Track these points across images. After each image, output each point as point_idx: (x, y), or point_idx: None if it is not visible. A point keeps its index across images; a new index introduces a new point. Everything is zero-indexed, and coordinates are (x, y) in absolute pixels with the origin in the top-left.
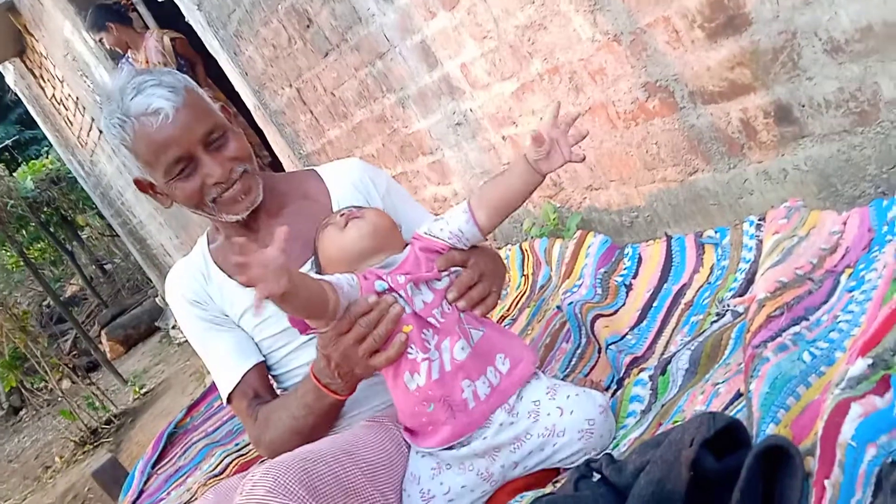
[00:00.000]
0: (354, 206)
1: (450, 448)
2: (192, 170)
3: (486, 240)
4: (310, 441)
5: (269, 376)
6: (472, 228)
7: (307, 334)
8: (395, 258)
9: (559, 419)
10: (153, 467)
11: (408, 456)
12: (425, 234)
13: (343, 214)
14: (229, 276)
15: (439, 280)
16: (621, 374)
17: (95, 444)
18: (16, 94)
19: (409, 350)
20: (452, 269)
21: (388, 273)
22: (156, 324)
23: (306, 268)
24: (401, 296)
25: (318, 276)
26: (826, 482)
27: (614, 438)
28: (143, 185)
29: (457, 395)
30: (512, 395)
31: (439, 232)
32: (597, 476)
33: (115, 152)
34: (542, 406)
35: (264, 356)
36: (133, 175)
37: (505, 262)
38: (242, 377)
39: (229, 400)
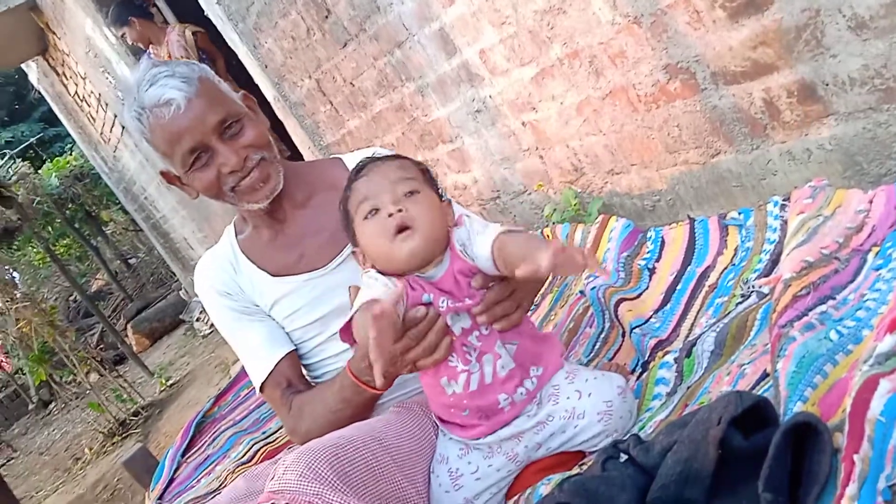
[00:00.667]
0: (391, 156)
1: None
2: (209, 159)
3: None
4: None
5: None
6: (493, 270)
7: (355, 346)
8: (436, 272)
9: (578, 402)
10: (183, 456)
11: (435, 441)
12: (460, 251)
13: (392, 215)
14: (259, 268)
15: (478, 305)
16: (646, 358)
17: (124, 435)
18: (39, 92)
19: (449, 358)
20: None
21: (432, 286)
22: (180, 317)
23: (345, 254)
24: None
25: (378, 299)
26: (855, 457)
27: (640, 420)
28: (169, 177)
29: (493, 405)
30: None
31: (475, 256)
32: (624, 456)
33: (137, 147)
34: (561, 390)
35: (295, 346)
36: (159, 168)
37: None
38: (275, 366)
39: (262, 389)
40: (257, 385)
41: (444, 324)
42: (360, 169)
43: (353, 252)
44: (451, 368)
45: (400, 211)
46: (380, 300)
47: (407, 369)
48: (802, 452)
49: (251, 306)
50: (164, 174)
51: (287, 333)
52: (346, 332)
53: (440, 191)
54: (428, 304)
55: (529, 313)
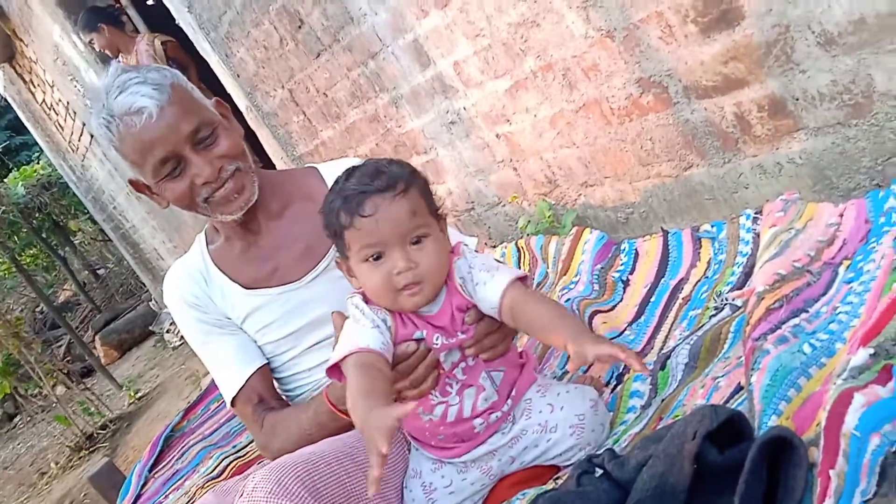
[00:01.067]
0: (399, 182)
1: None
2: (181, 170)
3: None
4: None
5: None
6: (493, 315)
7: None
8: (432, 307)
9: (550, 415)
10: (150, 471)
11: (408, 455)
12: (459, 285)
13: (401, 273)
14: (231, 279)
15: (469, 339)
16: (620, 370)
17: (91, 449)
18: (5, 100)
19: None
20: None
21: (425, 321)
22: (150, 328)
23: (320, 267)
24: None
25: (370, 349)
26: (831, 472)
27: (614, 434)
28: (138, 186)
29: (469, 430)
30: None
31: (477, 298)
32: (599, 471)
33: (105, 156)
34: (533, 404)
35: (267, 360)
36: (127, 176)
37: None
38: (246, 381)
39: (233, 404)
40: (228, 400)
41: (435, 359)
42: (364, 200)
43: (338, 263)
44: (426, 401)
45: (410, 268)
46: (371, 351)
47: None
48: (778, 467)
49: (222, 319)
50: (132, 183)
51: (259, 347)
52: (335, 371)
53: (437, 207)
54: (419, 340)
55: None
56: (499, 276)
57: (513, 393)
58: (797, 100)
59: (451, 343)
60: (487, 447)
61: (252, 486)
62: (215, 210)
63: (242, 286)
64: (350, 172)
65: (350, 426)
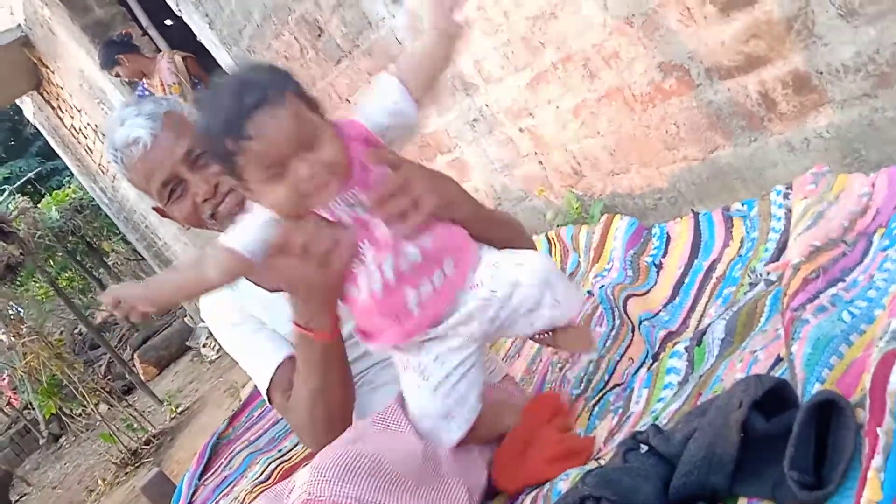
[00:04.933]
0: (258, 76)
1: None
2: (182, 190)
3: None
4: (335, 406)
5: None
6: (408, 102)
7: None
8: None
9: (512, 269)
10: (199, 479)
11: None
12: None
13: (308, 177)
14: (255, 283)
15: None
16: (656, 349)
17: (136, 464)
18: (35, 127)
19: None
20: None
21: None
22: (187, 343)
23: None
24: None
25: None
26: (879, 430)
27: (653, 412)
28: (162, 212)
29: (400, 304)
30: (459, 289)
31: (375, 117)
32: (644, 447)
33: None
34: (499, 266)
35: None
36: (152, 204)
37: (460, 186)
38: (276, 369)
39: (270, 398)
40: (264, 393)
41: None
42: (243, 121)
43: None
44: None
45: (317, 171)
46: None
47: (319, 282)
48: (826, 431)
49: (251, 318)
50: (156, 210)
51: (288, 340)
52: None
53: (316, 102)
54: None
55: None
56: (384, 86)
57: (450, 269)
58: (821, 73)
59: (357, 196)
60: (459, 317)
61: (302, 481)
62: (222, 224)
63: (266, 288)
64: (214, 92)
65: (330, 351)
